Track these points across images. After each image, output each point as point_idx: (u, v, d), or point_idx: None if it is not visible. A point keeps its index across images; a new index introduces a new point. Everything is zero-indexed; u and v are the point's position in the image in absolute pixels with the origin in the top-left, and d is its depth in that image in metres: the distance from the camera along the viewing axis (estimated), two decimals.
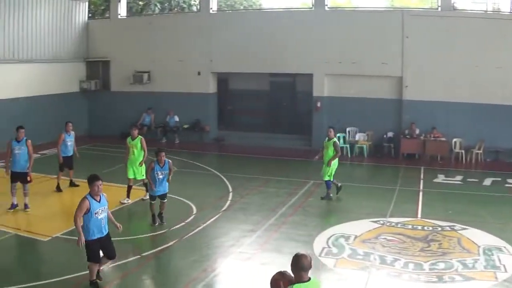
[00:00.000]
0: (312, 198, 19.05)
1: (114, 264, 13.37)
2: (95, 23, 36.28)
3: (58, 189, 20.60)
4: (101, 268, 12.26)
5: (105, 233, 11.72)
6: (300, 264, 7.08)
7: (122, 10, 34.75)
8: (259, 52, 29.61)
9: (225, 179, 22.18)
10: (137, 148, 18.79)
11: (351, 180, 22.32)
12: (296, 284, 7.05)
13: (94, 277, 11.88)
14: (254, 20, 30.75)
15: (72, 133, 21.02)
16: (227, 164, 26.19)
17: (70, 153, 20.87)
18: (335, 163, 19.08)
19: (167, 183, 16.38)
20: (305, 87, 30.55)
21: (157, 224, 16.17)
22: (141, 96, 33.45)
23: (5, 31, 29.20)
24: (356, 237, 14.95)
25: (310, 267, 7.12)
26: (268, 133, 30.27)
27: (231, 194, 19.93)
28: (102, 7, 39.62)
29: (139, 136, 19.16)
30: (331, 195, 19.05)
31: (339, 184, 19.46)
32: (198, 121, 32.28)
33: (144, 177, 17.83)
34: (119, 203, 18.08)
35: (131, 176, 18.69)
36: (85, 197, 11.42)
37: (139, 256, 13.88)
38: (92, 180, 11.44)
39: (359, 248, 14.12)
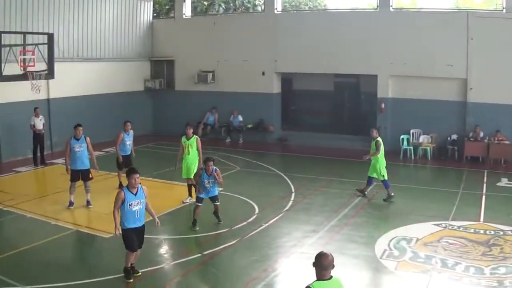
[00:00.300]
0: (374, 199, 19.07)
1: (176, 262, 13.84)
2: (160, 22, 36.93)
3: (121, 187, 21.13)
4: (135, 260, 12.83)
5: (139, 224, 12.37)
6: (321, 262, 7.31)
7: (186, 9, 35.24)
8: (324, 53, 29.60)
9: (288, 179, 22.32)
10: (192, 148, 18.73)
11: (414, 183, 22.34)
12: (316, 282, 7.30)
13: (129, 265, 12.55)
14: (318, 21, 30.69)
15: (131, 132, 21.39)
16: (290, 164, 26.29)
17: (129, 152, 21.35)
18: (381, 162, 19.33)
19: (216, 187, 16.39)
20: (369, 88, 30.44)
21: (197, 228, 16.11)
22: (205, 95, 33.84)
23: (69, 30, 29.93)
24: (417, 240, 14.92)
25: (331, 266, 7.32)
26: (332, 133, 30.29)
27: (293, 194, 20.03)
28: (167, 7, 40.14)
29: (195, 135, 19.13)
30: (392, 194, 19.15)
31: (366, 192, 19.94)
32: (262, 121, 32.50)
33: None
34: (181, 202, 18.41)
35: (185, 176, 18.76)
36: (121, 189, 12.24)
37: (200, 255, 14.16)
38: (129, 173, 12.16)
39: (420, 251, 14.10)
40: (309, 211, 17.89)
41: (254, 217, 17.30)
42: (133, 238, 12.30)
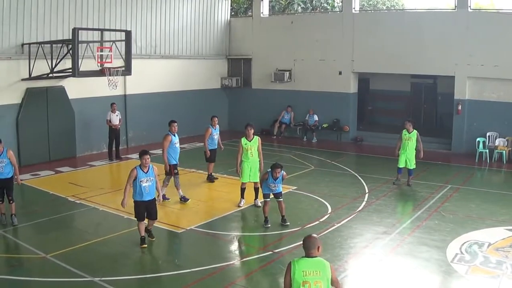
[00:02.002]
0: (448, 203, 18.61)
1: (247, 259, 13.94)
2: (238, 21, 37.20)
3: (211, 180, 21.95)
4: (149, 228, 14.81)
5: (148, 198, 14.13)
6: (304, 243, 8.05)
7: (264, 8, 35.28)
8: (401, 53, 29.20)
9: (362, 180, 22.10)
10: (255, 149, 18.00)
11: (489, 186, 21.76)
12: (298, 258, 8.00)
13: (142, 234, 14.43)
14: (396, 21, 30.32)
15: (217, 126, 21.82)
16: (364, 165, 25.98)
17: (215, 146, 21.80)
18: (411, 152, 20.90)
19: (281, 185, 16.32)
20: (446, 89, 29.96)
21: (269, 225, 16.15)
22: (282, 94, 33.93)
23: (147, 28, 30.41)
24: (489, 244, 14.52)
25: (313, 246, 7.95)
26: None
27: (367, 195, 19.79)
28: (245, 6, 40.33)
29: (256, 136, 18.32)
30: (399, 180, 21.32)
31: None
32: (338, 120, 32.31)
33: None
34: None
35: (245, 180, 18.05)
36: (134, 168, 14.03)
37: (271, 252, 14.13)
38: (142, 154, 14.05)
39: (492, 256, 13.72)
40: (382, 212, 17.63)
41: (326, 216, 17.18)
42: (141, 209, 14.15)
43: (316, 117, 32.61)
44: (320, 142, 31.77)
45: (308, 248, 7.95)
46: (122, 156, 26.48)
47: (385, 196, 19.71)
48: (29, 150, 23.56)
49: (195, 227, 16.29)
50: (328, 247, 14.36)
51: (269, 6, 36.30)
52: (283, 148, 30.28)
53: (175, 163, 18.77)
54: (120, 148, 26.75)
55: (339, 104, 32.22)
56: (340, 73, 31.96)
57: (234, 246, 15.19)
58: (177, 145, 18.84)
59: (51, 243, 14.88)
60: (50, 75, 23.96)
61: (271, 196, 16.29)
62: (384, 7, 40.84)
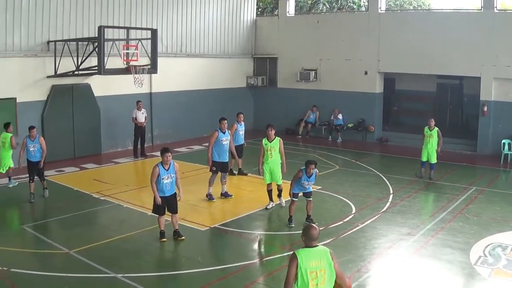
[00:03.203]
0: (472, 205, 18.39)
1: (270, 258, 13.93)
2: (264, 20, 37.29)
3: (242, 173, 22.50)
4: (175, 228, 14.86)
5: (168, 194, 14.39)
6: (309, 234, 8.08)
7: (290, 8, 35.25)
8: (427, 53, 28.97)
9: (386, 180, 21.97)
10: (275, 150, 17.67)
11: None
12: (301, 249, 8.08)
13: (162, 228, 14.70)
14: (422, 21, 30.10)
15: (243, 123, 22.15)
16: (389, 165, 25.78)
17: (241, 142, 22.05)
18: (432, 148, 21.78)
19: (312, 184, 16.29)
20: (472, 91, 29.71)
21: (293, 225, 16.12)
22: (307, 93, 33.86)
23: (173, 26, 30.55)
24: None
25: (316, 237, 8.09)
26: None
27: (391, 196, 19.66)
28: (271, 5, 40.35)
29: (278, 137, 17.88)
30: (422, 174, 22.35)
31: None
32: (363, 120, 32.19)
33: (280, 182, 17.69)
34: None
35: (268, 181, 17.80)
36: (156, 165, 14.25)
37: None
38: (163, 151, 14.27)
39: None
40: (406, 213, 17.50)
41: (350, 216, 17.11)
42: (161, 205, 14.38)
43: (341, 117, 32.50)
44: (345, 142, 31.63)
45: (311, 239, 8.05)
46: (147, 154, 26.55)
47: (410, 197, 19.58)
48: (54, 146, 23.59)
49: (219, 225, 16.37)
50: (351, 247, 14.36)
51: (295, 5, 36.29)
52: (308, 147, 30.24)
53: (218, 160, 18.82)
54: (145, 145, 26.84)
55: (364, 104, 32.08)
56: (366, 73, 31.82)
57: (257, 245, 15.16)
58: (224, 142, 18.88)
59: (75, 239, 14.98)
60: (76, 72, 24.10)
61: (300, 195, 16.22)
62: (411, 7, 40.62)
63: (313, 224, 8.48)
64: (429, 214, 17.48)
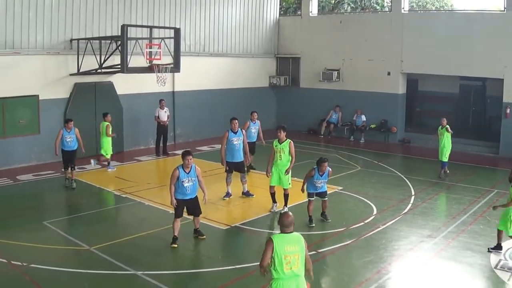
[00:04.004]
0: None
1: None
2: (286, 20, 37.29)
3: (251, 168, 22.53)
4: (197, 226, 14.85)
5: (189, 197, 14.18)
6: (282, 221, 8.79)
7: (313, 8, 35.24)
8: (450, 54, 28.84)
9: (408, 182, 21.84)
10: (285, 152, 17.11)
11: None
12: (276, 234, 8.88)
13: (176, 233, 14.31)
14: (445, 21, 29.95)
15: (258, 122, 22.44)
16: (411, 167, 25.70)
17: (253, 139, 22.35)
18: (448, 145, 22.52)
19: (325, 185, 16.32)
20: (495, 92, 29.41)
21: (313, 225, 16.17)
22: (330, 93, 33.83)
23: (196, 25, 30.62)
24: None
25: (291, 224, 8.78)
26: (456, 137, 29.32)
27: (413, 197, 19.56)
28: (294, 5, 40.32)
29: (288, 139, 17.32)
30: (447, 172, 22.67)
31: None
32: (385, 121, 32.07)
33: (290, 186, 17.22)
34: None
35: (274, 183, 17.30)
36: (176, 168, 13.99)
37: (315, 252, 14.02)
38: (184, 154, 14.00)
39: None
40: (427, 215, 17.44)
41: (371, 218, 17.06)
42: (180, 207, 14.22)
43: (364, 118, 32.43)
44: (367, 142, 31.61)
45: (287, 225, 8.75)
46: (169, 152, 26.67)
47: (431, 199, 19.50)
48: None
49: (240, 224, 16.41)
50: (372, 248, 14.33)
51: (318, 5, 36.25)
52: (330, 148, 30.18)
53: (231, 161, 18.82)
54: (167, 144, 26.92)
55: (387, 105, 31.97)
56: (388, 73, 31.73)
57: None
58: (235, 142, 18.74)
59: (96, 236, 15.11)
60: (99, 70, 24.22)
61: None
62: (433, 8, 40.39)
63: (287, 212, 9.03)
64: (450, 217, 17.32)
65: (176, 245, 14.20)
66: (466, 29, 28.52)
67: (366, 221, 16.66)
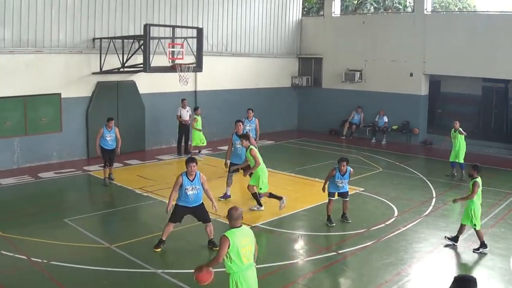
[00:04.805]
0: None
1: (311, 258, 13.91)
2: (309, 20, 37.38)
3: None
4: (210, 237, 14.24)
5: (192, 205, 13.79)
6: (230, 215, 9.17)
7: (336, 8, 35.19)
8: (473, 56, 28.64)
9: (430, 184, 21.76)
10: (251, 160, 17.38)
11: None
12: (229, 230, 9.10)
13: (164, 237, 14.02)
14: (468, 22, 29.74)
15: (254, 119, 23.28)
16: (433, 169, 25.47)
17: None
18: (459, 148, 22.60)
19: (347, 185, 16.35)
20: None
21: (333, 224, 16.23)
22: (352, 94, 33.82)
23: (219, 25, 30.74)
24: None
25: (240, 217, 9.21)
26: (477, 139, 28.93)
27: (434, 199, 19.48)
28: (317, 5, 40.31)
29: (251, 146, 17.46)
30: (454, 174, 23.00)
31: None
32: (407, 122, 31.94)
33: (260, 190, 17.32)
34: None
35: (253, 183, 17.48)
36: (180, 174, 13.68)
37: (335, 253, 14.07)
38: (188, 161, 13.63)
39: None
40: (448, 218, 17.40)
41: (392, 219, 16.99)
42: (179, 213, 13.94)
43: (386, 119, 32.33)
44: (389, 144, 31.49)
45: (236, 218, 9.15)
46: (191, 151, 26.64)
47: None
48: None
49: (261, 224, 16.42)
50: (392, 250, 14.31)
51: (341, 5, 36.21)
52: (351, 148, 30.09)
53: (233, 162, 18.88)
54: (189, 143, 26.93)
55: (409, 106, 31.85)
56: (411, 74, 31.62)
57: (298, 245, 15.16)
58: (238, 145, 18.73)
59: (116, 234, 15.34)
60: (121, 69, 24.33)
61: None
62: (456, 9, 40.23)
63: (234, 206, 9.41)
64: None
65: (159, 249, 13.96)
66: (489, 31, 28.32)
67: (387, 223, 16.62)
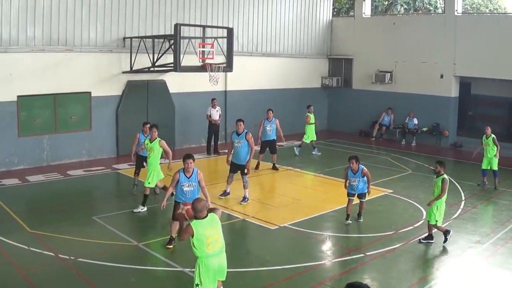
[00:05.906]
0: None
1: (338, 260, 13.93)
2: (339, 21, 37.35)
3: (274, 168, 23.23)
4: None
5: (188, 202, 13.35)
6: (194, 207, 9.63)
7: (366, 9, 35.14)
8: (503, 57, 28.37)
9: (459, 187, 21.64)
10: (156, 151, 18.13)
11: None
12: (194, 221, 9.55)
13: (173, 234, 14.18)
14: (499, 24, 29.49)
15: (274, 120, 23.63)
16: (462, 171, 25.30)
17: (270, 138, 23.25)
18: (492, 155, 21.84)
19: (365, 184, 16.39)
20: None
21: (350, 221, 16.46)
22: (382, 95, 33.68)
23: (249, 25, 30.82)
24: None
25: (204, 208, 9.64)
26: (507, 142, 28.85)
27: (463, 202, 19.40)
28: (347, 6, 40.27)
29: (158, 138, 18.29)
30: (485, 182, 21.93)
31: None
32: (437, 124, 31.75)
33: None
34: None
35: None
36: (178, 171, 13.68)
37: (363, 255, 14.05)
38: (184, 158, 13.54)
39: None
40: (477, 221, 17.35)
41: (421, 222, 16.89)
42: (174, 210, 14.03)
43: (416, 121, 32.14)
44: (418, 146, 31.30)
45: (200, 210, 9.57)
46: (220, 151, 26.81)
47: (482, 204, 19.36)
48: (128, 141, 23.92)
49: (289, 224, 16.39)
50: (419, 253, 14.34)
51: (372, 6, 36.15)
52: (381, 150, 29.97)
53: (233, 161, 19.00)
54: (218, 143, 27.14)
55: (439, 108, 31.62)
56: (441, 76, 31.42)
57: (326, 246, 15.12)
58: (236, 144, 18.80)
59: (144, 232, 15.44)
60: (151, 69, 24.47)
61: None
62: (487, 10, 39.95)
63: (198, 197, 10.28)
64: (499, 223, 17.11)
65: (171, 246, 14.16)
66: None
67: (415, 225, 16.55)
